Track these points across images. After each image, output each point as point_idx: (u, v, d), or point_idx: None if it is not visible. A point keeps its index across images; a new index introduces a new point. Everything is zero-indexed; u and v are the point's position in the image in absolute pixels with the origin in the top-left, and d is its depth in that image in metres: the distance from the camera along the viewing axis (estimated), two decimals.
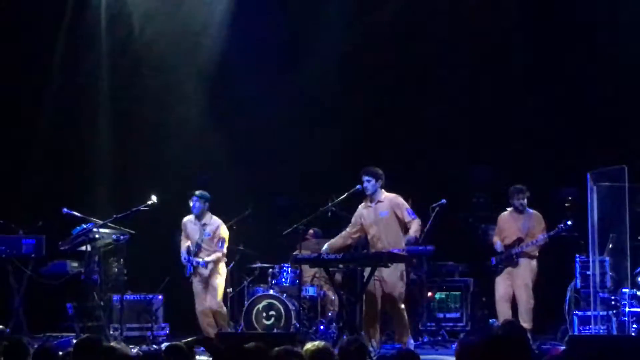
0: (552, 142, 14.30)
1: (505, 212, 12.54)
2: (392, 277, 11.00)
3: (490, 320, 12.48)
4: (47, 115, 14.69)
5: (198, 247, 12.41)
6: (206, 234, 12.41)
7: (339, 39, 14.87)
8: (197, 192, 12.44)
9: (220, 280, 12.41)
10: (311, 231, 13.40)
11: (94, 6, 14.88)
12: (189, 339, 9.33)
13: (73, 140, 14.73)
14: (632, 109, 13.72)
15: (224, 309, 12.50)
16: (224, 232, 12.47)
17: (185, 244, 12.53)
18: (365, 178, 10.98)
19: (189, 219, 12.57)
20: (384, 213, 11.24)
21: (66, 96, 14.71)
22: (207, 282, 12.36)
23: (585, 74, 14.04)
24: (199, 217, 12.45)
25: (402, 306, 11.04)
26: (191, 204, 12.43)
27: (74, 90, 14.76)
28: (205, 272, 12.33)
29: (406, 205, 11.15)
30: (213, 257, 12.33)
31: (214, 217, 12.52)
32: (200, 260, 12.32)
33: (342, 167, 13.60)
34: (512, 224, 12.43)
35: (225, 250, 12.47)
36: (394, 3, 14.62)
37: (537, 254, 12.32)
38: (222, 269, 12.48)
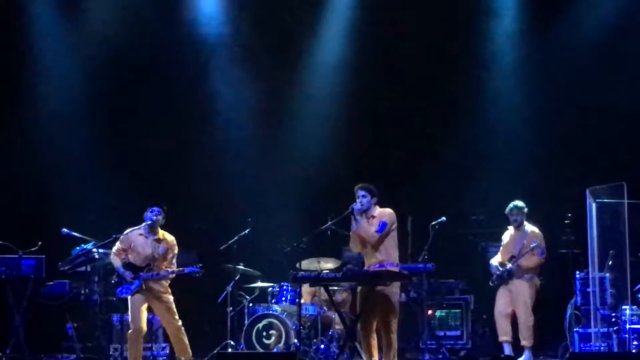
0: (552, 158, 14.34)
1: (508, 230, 12.57)
2: (387, 292, 10.85)
3: None
4: (43, 135, 14.72)
5: (153, 261, 11.53)
6: (161, 249, 11.62)
7: (339, 54, 14.98)
8: (157, 203, 11.68)
9: (172, 299, 11.66)
10: None
11: None
12: None
13: (71, 161, 14.73)
14: (631, 126, 13.78)
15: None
16: (176, 249, 11.80)
17: (118, 259, 11.60)
18: (361, 193, 10.94)
19: (137, 231, 11.64)
20: (378, 226, 11.09)
21: (58, 115, 14.75)
22: (156, 301, 11.57)
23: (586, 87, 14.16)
24: (151, 231, 11.64)
25: (395, 327, 10.87)
26: (151, 214, 11.56)
27: (67, 110, 14.81)
28: (159, 287, 11.58)
29: (390, 221, 10.90)
30: (176, 270, 11.62)
31: (166, 233, 11.76)
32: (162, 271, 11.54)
33: (341, 184, 13.57)
34: (510, 242, 12.46)
35: None
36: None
37: (537, 272, 12.31)
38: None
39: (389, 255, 10.81)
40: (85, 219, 13.40)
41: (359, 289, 11.10)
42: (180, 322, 11.61)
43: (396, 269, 10.81)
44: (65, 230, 12.50)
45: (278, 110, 15.18)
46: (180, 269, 11.62)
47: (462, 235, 13.98)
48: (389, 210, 10.96)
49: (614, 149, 13.87)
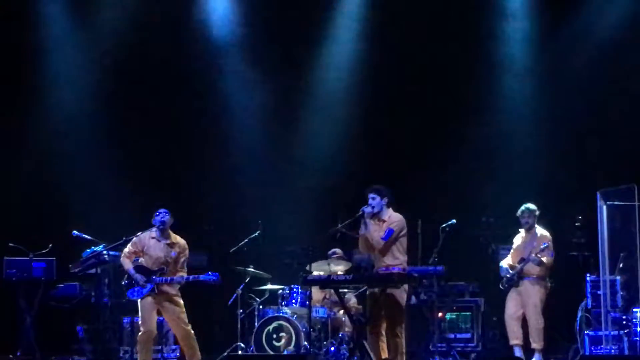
0: (562, 160, 14.32)
1: (519, 233, 12.56)
2: (394, 295, 10.78)
3: None
4: (54, 137, 14.76)
5: (166, 265, 11.42)
6: (173, 253, 11.49)
7: (352, 56, 15.00)
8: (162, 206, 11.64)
9: (183, 303, 11.52)
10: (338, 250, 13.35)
11: None
12: None
13: (82, 163, 14.77)
14: None
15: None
16: (187, 252, 11.69)
17: (129, 261, 11.48)
18: (371, 196, 10.85)
19: (149, 235, 11.53)
20: (384, 233, 11.00)
21: (70, 118, 14.79)
22: (168, 303, 11.43)
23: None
24: (162, 234, 11.55)
25: (401, 331, 10.80)
26: (159, 217, 11.46)
27: (79, 112, 14.85)
28: (172, 290, 11.46)
29: (397, 228, 10.76)
30: (192, 277, 11.49)
31: (177, 236, 11.65)
32: (180, 275, 11.45)
33: (352, 186, 13.57)
34: (521, 244, 12.45)
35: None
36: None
37: (545, 274, 12.28)
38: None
39: (396, 259, 10.75)
40: (95, 221, 13.41)
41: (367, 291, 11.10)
42: (189, 327, 11.52)
43: (403, 273, 10.77)
44: (75, 232, 12.50)
45: (289, 112, 15.19)
46: (196, 275, 11.47)
47: (472, 237, 13.93)
48: (398, 216, 10.85)
49: (625, 150, 13.83)
